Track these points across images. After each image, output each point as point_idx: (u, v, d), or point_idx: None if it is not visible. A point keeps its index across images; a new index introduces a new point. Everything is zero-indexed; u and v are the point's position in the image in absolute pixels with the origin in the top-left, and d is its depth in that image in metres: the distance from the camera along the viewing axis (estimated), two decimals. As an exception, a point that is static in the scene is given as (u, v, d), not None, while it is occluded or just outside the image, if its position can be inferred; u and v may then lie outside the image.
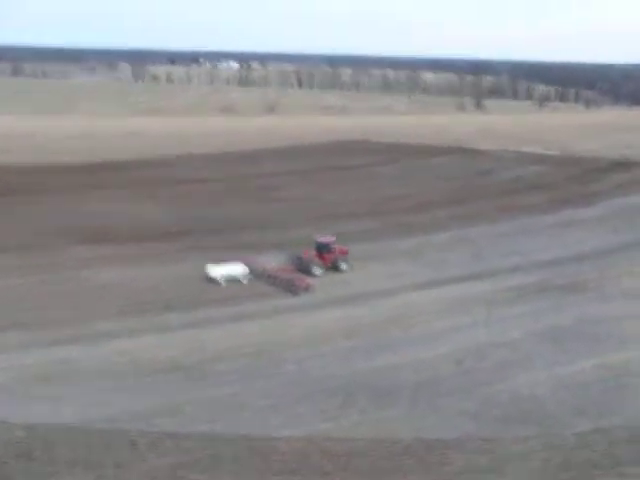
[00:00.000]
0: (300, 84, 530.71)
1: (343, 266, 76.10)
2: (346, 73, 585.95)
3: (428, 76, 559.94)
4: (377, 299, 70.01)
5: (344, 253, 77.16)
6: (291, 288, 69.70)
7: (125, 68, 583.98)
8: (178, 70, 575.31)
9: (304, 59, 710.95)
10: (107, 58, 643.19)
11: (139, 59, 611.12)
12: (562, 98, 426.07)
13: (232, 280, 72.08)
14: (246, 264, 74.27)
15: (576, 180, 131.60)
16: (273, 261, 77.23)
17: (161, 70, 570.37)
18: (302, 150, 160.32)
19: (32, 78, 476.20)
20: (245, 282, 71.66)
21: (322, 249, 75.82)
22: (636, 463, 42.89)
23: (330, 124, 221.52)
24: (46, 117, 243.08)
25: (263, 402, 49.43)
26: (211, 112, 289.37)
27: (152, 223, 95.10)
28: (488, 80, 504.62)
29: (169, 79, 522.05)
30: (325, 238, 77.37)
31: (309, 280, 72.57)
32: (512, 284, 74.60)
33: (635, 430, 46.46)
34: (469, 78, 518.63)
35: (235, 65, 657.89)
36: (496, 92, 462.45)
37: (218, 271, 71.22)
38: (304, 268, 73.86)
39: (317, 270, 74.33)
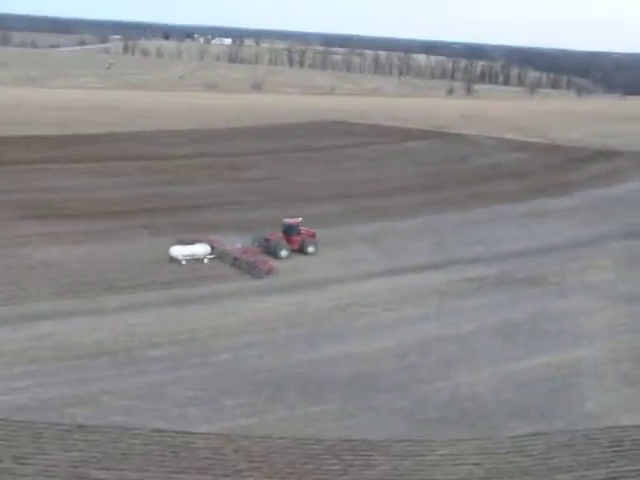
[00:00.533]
0: (291, 63, 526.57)
1: (310, 249, 74.93)
2: (338, 53, 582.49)
3: (420, 59, 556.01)
4: (329, 286, 67.73)
5: (312, 236, 76.13)
6: (253, 271, 68.14)
7: (116, 41, 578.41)
8: (169, 45, 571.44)
9: (300, 37, 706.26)
10: (100, 30, 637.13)
11: (133, 32, 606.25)
12: (554, 85, 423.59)
13: (194, 260, 70.32)
14: (210, 244, 72.46)
15: (555, 169, 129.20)
16: (238, 242, 74.95)
17: (152, 44, 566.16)
18: (278, 130, 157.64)
19: (20, 47, 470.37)
20: (206, 262, 70.07)
21: (289, 231, 74.79)
22: (572, 470, 40.74)
23: (314, 104, 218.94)
24: (26, 88, 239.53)
25: (187, 393, 47.07)
26: (195, 88, 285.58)
27: (110, 200, 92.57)
28: (480, 65, 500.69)
29: (159, 53, 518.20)
30: (292, 220, 76.28)
31: (272, 263, 70.61)
32: (471, 275, 72.32)
33: (576, 434, 44.33)
34: (462, 62, 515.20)
35: (228, 41, 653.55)
36: (488, 77, 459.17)
37: (179, 251, 69.97)
38: (270, 250, 72.63)
39: (283, 252, 73.06)
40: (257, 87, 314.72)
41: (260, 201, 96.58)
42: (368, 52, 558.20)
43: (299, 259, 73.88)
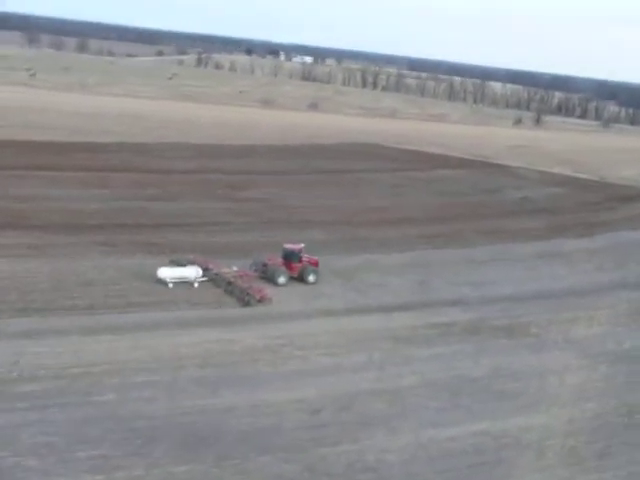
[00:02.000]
0: (364, 84, 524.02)
1: (311, 278, 71.48)
2: (412, 77, 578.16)
3: (497, 87, 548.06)
4: (272, 322, 61.79)
5: (314, 264, 72.65)
6: (245, 297, 64.60)
7: (191, 54, 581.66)
8: (245, 60, 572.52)
9: (387, 60, 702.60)
10: (189, 43, 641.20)
11: (217, 46, 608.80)
12: (633, 121, 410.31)
13: (183, 283, 67.23)
14: (203, 267, 68.94)
15: (590, 207, 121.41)
16: (235, 266, 70.93)
17: (227, 58, 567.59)
18: (304, 150, 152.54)
19: (94, 55, 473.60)
20: (196, 286, 66.90)
21: (289, 257, 71.72)
22: None
23: (362, 126, 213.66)
24: (73, 94, 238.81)
25: (39, 439, 41.42)
26: (250, 104, 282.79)
27: (80, 212, 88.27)
28: (557, 97, 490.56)
29: (232, 68, 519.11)
30: (293, 245, 73.08)
31: (267, 291, 66.38)
32: (443, 320, 65.69)
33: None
34: (539, 93, 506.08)
35: (309, 60, 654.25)
36: (564, 110, 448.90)
37: (167, 273, 67.02)
38: (268, 276, 69.58)
39: (281, 279, 69.85)
40: (314, 106, 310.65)
41: (245, 223, 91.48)
42: (447, 78, 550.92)
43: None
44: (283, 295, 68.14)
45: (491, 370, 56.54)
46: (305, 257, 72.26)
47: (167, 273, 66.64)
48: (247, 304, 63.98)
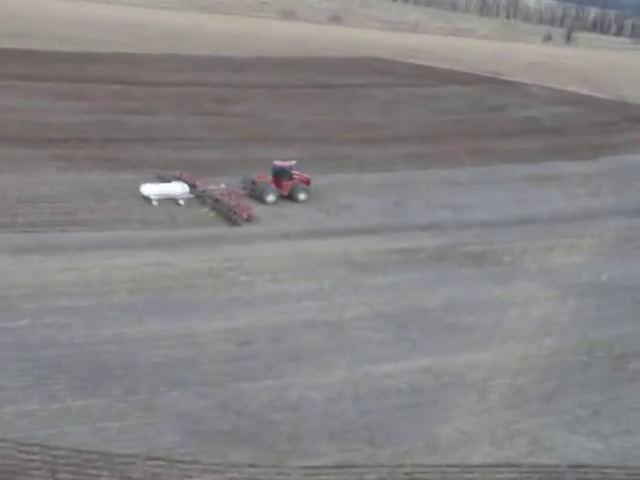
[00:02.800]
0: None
1: (302, 196, 69.86)
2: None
3: (530, 2, 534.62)
4: (222, 245, 58.25)
5: (305, 182, 70.78)
6: (232, 216, 62.95)
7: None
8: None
9: None
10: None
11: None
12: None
13: (168, 200, 65.16)
14: (190, 183, 66.80)
15: (600, 128, 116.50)
16: (223, 183, 68.41)
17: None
18: (305, 63, 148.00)
19: None
20: (182, 203, 64.97)
21: (279, 175, 69.79)
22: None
23: (379, 40, 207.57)
24: (83, 2, 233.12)
25: None
26: (269, 15, 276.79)
27: (42, 125, 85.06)
28: (593, 12, 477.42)
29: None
30: (283, 163, 70.85)
31: (253, 210, 64.52)
32: (409, 245, 62.43)
33: (394, 471, 34.15)
34: (573, 9, 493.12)
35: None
36: (599, 27, 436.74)
37: (151, 189, 64.92)
38: (257, 194, 67.98)
39: (270, 197, 68.30)
40: (336, 19, 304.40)
41: (221, 139, 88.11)
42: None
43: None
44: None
45: (448, 301, 53.42)
46: (296, 175, 70.49)
47: (151, 190, 64.52)
48: (234, 223, 62.14)
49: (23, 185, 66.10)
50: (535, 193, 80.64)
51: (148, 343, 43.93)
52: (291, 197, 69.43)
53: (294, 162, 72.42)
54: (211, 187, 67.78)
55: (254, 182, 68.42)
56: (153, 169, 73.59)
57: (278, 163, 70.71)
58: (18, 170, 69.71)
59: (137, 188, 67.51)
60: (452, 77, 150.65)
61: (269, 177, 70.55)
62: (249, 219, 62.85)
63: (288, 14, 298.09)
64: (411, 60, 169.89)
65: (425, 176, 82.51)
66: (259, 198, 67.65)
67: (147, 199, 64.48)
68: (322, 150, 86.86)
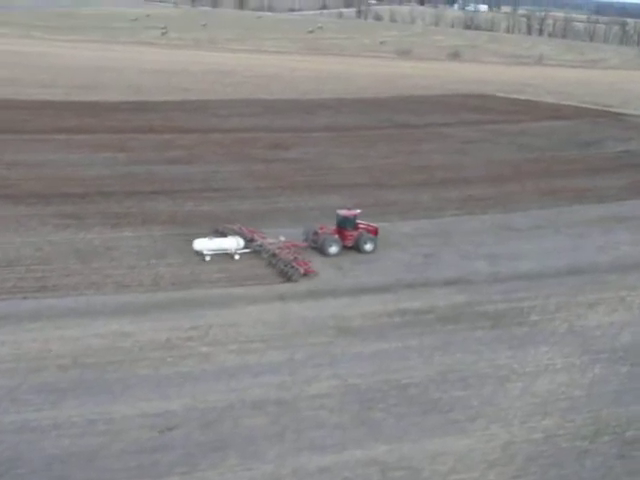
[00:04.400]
0: (529, 30, 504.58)
1: (368, 247, 66.26)
2: (582, 20, 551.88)
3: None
4: (207, 308, 53.60)
5: (373, 232, 67.26)
6: (288, 271, 59.63)
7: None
8: (406, 10, 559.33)
9: (574, 6, 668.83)
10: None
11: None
12: None
13: (223, 255, 62.94)
14: (248, 237, 65.07)
15: None
16: (282, 235, 65.34)
17: (393, 9, 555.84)
18: (388, 102, 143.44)
19: (252, 11, 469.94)
20: (237, 258, 62.71)
21: (343, 224, 66.84)
22: None
23: (489, 75, 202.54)
24: (189, 51, 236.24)
25: None
26: (386, 55, 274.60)
27: (68, 180, 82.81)
28: None
29: (392, 19, 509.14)
30: (348, 211, 67.98)
31: (310, 263, 61.25)
32: (420, 305, 56.61)
33: None
34: None
35: (484, 8, 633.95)
36: None
37: (204, 244, 62.72)
38: (318, 246, 65.03)
39: (333, 249, 65.06)
40: (454, 55, 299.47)
41: (258, 188, 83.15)
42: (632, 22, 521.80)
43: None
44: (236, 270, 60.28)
45: (440, 372, 46.64)
46: (362, 224, 67.11)
47: (203, 245, 62.38)
48: (290, 279, 58.80)
49: (7, 246, 62.24)
50: (600, 238, 72.63)
51: (52, 432, 38.90)
52: (357, 248, 65.75)
53: (359, 211, 68.56)
54: (269, 240, 64.51)
55: (316, 233, 65.41)
56: (163, 225, 69.27)
57: (342, 212, 67.54)
58: (10, 229, 66.01)
59: (134, 245, 63.35)
60: (553, 111, 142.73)
61: (332, 228, 67.09)
62: (306, 274, 59.25)
63: (405, 53, 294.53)
64: (515, 95, 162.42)
65: (476, 222, 75.74)
66: (321, 250, 64.40)
67: (200, 254, 62.25)
68: (369, 196, 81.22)
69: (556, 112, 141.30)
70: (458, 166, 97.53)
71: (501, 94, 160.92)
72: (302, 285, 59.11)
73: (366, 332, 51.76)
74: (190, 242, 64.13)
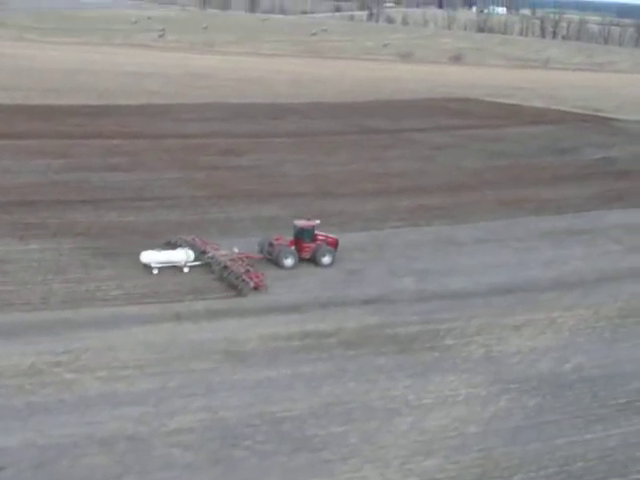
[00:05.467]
0: (543, 33, 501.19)
1: (326, 259, 64.14)
2: (596, 22, 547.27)
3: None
4: (90, 331, 50.34)
5: (332, 244, 65.04)
6: (239, 284, 57.55)
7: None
8: (419, 13, 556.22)
9: (594, 7, 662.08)
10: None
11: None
12: None
13: (171, 267, 60.47)
14: (201, 249, 62.42)
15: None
16: (236, 247, 62.64)
17: (406, 12, 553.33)
18: (367, 107, 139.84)
19: (266, 13, 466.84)
20: (186, 271, 60.45)
21: (301, 235, 64.53)
22: None
23: (485, 79, 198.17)
24: (180, 54, 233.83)
25: None
26: (387, 57, 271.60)
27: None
28: None
29: (404, 22, 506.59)
30: (305, 222, 65.69)
31: (262, 277, 58.64)
32: (327, 327, 53.51)
33: None
34: None
35: (502, 11, 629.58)
36: None
37: (152, 256, 60.32)
38: (273, 257, 62.85)
39: (288, 261, 62.95)
40: (457, 59, 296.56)
41: (194, 197, 79.50)
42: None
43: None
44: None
45: (323, 405, 43.59)
46: (321, 235, 64.79)
47: (151, 257, 60.09)
48: (240, 293, 56.69)
49: None
50: (550, 252, 68.87)
51: None
52: (314, 260, 63.64)
53: (317, 222, 65.79)
54: (221, 252, 61.84)
55: (271, 244, 63.41)
56: (75, 237, 65.97)
57: (299, 223, 65.24)
58: None
59: (35, 259, 59.96)
60: (537, 116, 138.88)
61: (288, 239, 64.45)
62: (257, 288, 57.04)
63: (406, 56, 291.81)
64: (503, 99, 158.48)
65: (417, 234, 71.99)
66: (276, 262, 62.32)
67: (147, 267, 59.76)
68: (310, 206, 77.38)
69: (541, 117, 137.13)
70: (419, 174, 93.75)
71: (488, 98, 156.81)
72: (206, 303, 55.20)
73: (257, 357, 48.00)
74: (99, 255, 61.92)
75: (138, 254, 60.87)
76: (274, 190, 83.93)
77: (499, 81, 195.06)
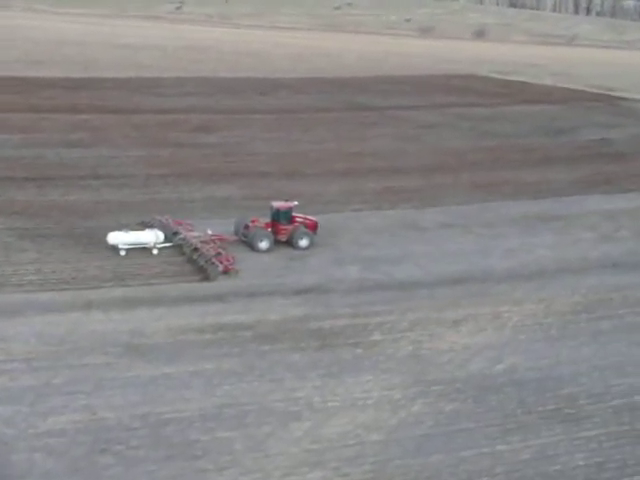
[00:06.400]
0: (577, 9, 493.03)
1: (303, 242, 61.92)
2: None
3: None
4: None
5: (311, 226, 62.99)
6: (208, 267, 55.49)
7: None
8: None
9: None
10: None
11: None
12: None
13: (140, 249, 58.49)
14: (172, 230, 60.59)
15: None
16: (210, 228, 60.41)
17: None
18: (363, 83, 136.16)
19: None
20: (155, 252, 58.82)
21: (279, 218, 62.41)
22: None
23: (503, 55, 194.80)
24: (193, 27, 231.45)
25: None
26: (407, 32, 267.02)
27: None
28: None
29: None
30: (282, 204, 63.38)
31: (232, 260, 56.75)
32: (247, 318, 50.63)
33: None
34: None
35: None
36: None
37: (120, 237, 58.50)
38: (249, 240, 61.05)
39: (263, 244, 60.81)
40: (480, 34, 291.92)
41: (152, 176, 77.01)
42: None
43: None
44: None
45: (217, 406, 41.04)
46: (299, 217, 62.72)
47: (119, 238, 58.24)
48: (207, 277, 54.64)
49: None
50: (516, 239, 65.28)
51: None
52: (291, 243, 61.47)
53: (295, 203, 63.40)
54: (193, 234, 59.87)
55: (247, 226, 61.28)
56: (9, 217, 63.36)
57: (276, 204, 62.72)
58: None
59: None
60: (542, 95, 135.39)
61: (265, 221, 62.35)
62: (226, 271, 54.87)
63: (426, 31, 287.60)
64: (512, 76, 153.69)
65: (378, 219, 68.64)
66: (251, 245, 60.33)
67: (115, 249, 57.60)
68: (271, 187, 74.42)
69: (546, 95, 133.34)
70: (397, 154, 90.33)
71: (496, 75, 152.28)
72: (125, 290, 52.18)
73: (159, 351, 44.92)
74: (26, 237, 59.78)
75: (68, 236, 57.88)
76: (237, 169, 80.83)
77: (515, 58, 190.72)
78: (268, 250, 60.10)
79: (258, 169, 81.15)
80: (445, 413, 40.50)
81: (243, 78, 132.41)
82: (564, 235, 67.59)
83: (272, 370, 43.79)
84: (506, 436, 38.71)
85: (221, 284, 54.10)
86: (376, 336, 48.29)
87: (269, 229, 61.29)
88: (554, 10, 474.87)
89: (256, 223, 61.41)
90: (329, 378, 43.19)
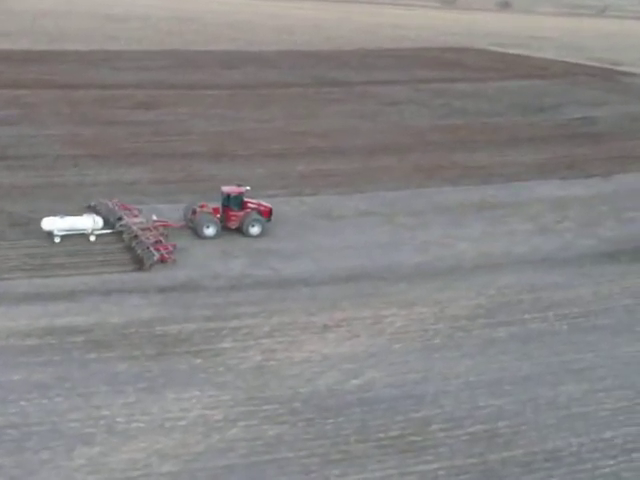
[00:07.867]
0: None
1: (254, 230, 59.44)
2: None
3: None
4: None
5: (264, 213, 60.43)
6: (144, 256, 53.05)
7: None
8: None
9: None
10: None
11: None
12: None
13: (77, 235, 56.18)
14: (117, 216, 58.17)
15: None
16: (154, 214, 57.82)
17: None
18: (338, 57, 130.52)
19: None
20: (93, 239, 56.60)
21: (230, 203, 60.02)
22: None
23: (512, 27, 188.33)
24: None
25: None
26: (429, 3, 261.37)
27: None
28: None
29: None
30: (232, 188, 61.05)
31: (171, 249, 54.43)
32: (85, 321, 46.93)
33: None
34: None
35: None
36: None
37: (54, 223, 56.27)
38: (194, 226, 58.87)
39: (209, 230, 58.49)
40: (506, 4, 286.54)
41: (64, 157, 73.77)
42: None
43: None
44: None
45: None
46: (252, 203, 60.27)
47: (54, 224, 56.05)
48: (141, 266, 52.48)
49: None
50: (439, 230, 60.93)
51: None
52: (241, 230, 59.03)
53: (247, 188, 60.46)
54: (136, 220, 57.46)
55: (194, 212, 58.95)
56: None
57: (225, 189, 60.25)
58: None
59: None
60: (537, 69, 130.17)
61: (214, 206, 59.64)
62: (163, 260, 52.67)
63: (449, 2, 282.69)
64: (512, 49, 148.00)
65: (291, 206, 64.94)
66: (196, 232, 57.90)
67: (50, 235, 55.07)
68: (190, 169, 69.88)
69: (541, 70, 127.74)
70: (349, 133, 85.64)
71: (495, 48, 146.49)
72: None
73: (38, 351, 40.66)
74: None
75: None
76: (161, 150, 76.82)
77: (526, 30, 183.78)
78: (215, 237, 57.42)
79: (185, 149, 77.11)
80: (264, 439, 35.85)
81: (213, 51, 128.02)
82: (497, 226, 62.68)
83: (86, 383, 39.40)
84: (324, 469, 33.82)
85: (77, 280, 49.47)
86: (225, 343, 43.72)
87: (218, 215, 58.58)
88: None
89: (204, 208, 58.76)
90: (148, 393, 38.60)
